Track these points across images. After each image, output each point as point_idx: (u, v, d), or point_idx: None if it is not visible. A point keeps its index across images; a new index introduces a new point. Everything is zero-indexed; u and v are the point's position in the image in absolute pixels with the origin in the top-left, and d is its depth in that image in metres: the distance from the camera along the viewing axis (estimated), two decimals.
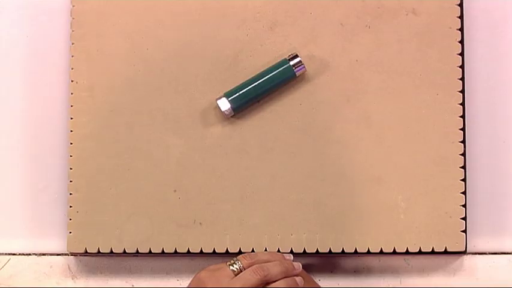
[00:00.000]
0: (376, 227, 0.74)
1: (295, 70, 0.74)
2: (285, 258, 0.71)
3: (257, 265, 0.68)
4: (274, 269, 0.68)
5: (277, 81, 0.74)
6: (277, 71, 0.74)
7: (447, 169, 0.75)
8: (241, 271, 0.67)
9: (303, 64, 0.74)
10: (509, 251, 0.78)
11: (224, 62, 0.76)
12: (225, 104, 0.74)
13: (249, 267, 0.68)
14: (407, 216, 0.74)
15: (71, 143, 0.76)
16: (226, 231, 0.74)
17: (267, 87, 0.74)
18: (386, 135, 0.75)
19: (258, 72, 0.75)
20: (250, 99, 0.74)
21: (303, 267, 0.71)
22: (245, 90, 0.74)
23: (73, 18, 0.77)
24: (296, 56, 0.74)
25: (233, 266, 0.67)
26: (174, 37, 0.76)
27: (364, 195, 0.75)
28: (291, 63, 0.74)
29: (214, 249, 0.74)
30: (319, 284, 0.72)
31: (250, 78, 0.75)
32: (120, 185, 0.75)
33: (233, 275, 0.67)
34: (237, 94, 0.74)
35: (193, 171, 0.75)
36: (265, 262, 0.69)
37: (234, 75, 0.76)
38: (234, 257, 0.68)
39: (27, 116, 0.79)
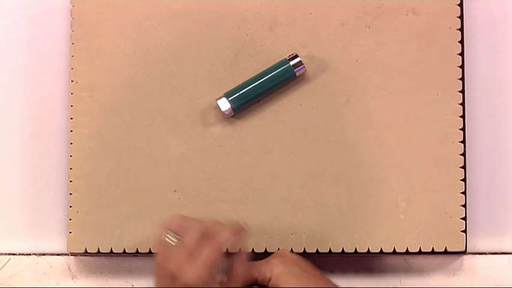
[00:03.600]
0: (376, 227, 0.74)
1: (295, 70, 0.74)
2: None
3: (206, 236, 0.67)
4: (223, 233, 0.67)
5: (277, 81, 0.74)
6: (277, 71, 0.74)
7: (447, 169, 0.75)
8: (179, 240, 0.67)
9: (303, 64, 0.74)
10: (509, 251, 0.78)
11: (224, 62, 0.76)
12: (225, 104, 0.74)
13: (184, 233, 0.67)
14: (407, 216, 0.74)
15: (71, 143, 0.76)
16: None
17: (267, 87, 0.74)
18: (386, 135, 0.75)
19: (258, 72, 0.75)
20: (250, 99, 0.74)
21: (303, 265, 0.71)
22: (245, 90, 0.74)
23: (73, 18, 0.77)
24: (296, 56, 0.74)
25: (171, 241, 0.67)
26: (174, 37, 0.76)
27: (364, 195, 0.75)
28: (291, 63, 0.74)
29: None
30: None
31: (250, 78, 0.75)
32: (120, 185, 0.75)
33: (183, 252, 0.67)
34: (237, 94, 0.74)
35: (193, 171, 0.75)
36: (198, 225, 0.68)
37: (234, 75, 0.76)
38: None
39: (27, 116, 0.79)
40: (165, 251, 0.68)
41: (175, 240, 0.67)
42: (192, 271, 0.66)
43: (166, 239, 0.67)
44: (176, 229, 0.68)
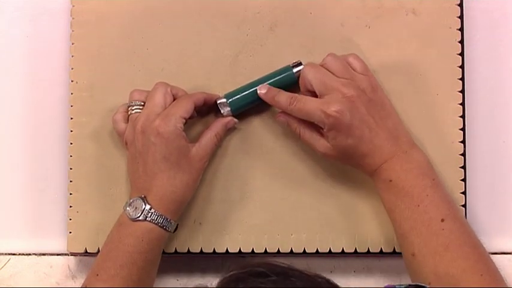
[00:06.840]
0: (376, 227, 0.74)
1: (297, 77, 0.73)
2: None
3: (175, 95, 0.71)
4: (193, 94, 0.71)
5: (279, 87, 0.73)
6: (280, 76, 0.73)
7: (447, 169, 0.74)
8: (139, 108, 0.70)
9: None
10: (509, 251, 0.78)
11: (224, 62, 0.76)
12: (225, 106, 0.73)
13: (150, 98, 0.70)
14: None
15: (71, 143, 0.76)
16: (226, 231, 0.74)
17: None
18: None
19: (259, 75, 0.74)
20: (250, 102, 0.74)
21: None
22: (246, 93, 0.73)
23: (73, 18, 0.77)
24: (300, 64, 0.73)
25: (138, 110, 0.70)
26: (174, 37, 0.76)
27: (364, 195, 0.75)
28: (294, 70, 0.73)
29: (214, 249, 0.74)
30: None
31: (252, 82, 0.74)
32: (120, 185, 0.75)
33: (151, 110, 0.68)
34: (238, 96, 0.73)
35: None
36: (163, 85, 0.71)
37: (234, 75, 0.76)
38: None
39: (27, 116, 0.79)
40: (133, 122, 0.69)
41: (141, 107, 0.68)
42: (161, 122, 0.67)
43: (133, 111, 0.68)
44: (142, 98, 0.70)
